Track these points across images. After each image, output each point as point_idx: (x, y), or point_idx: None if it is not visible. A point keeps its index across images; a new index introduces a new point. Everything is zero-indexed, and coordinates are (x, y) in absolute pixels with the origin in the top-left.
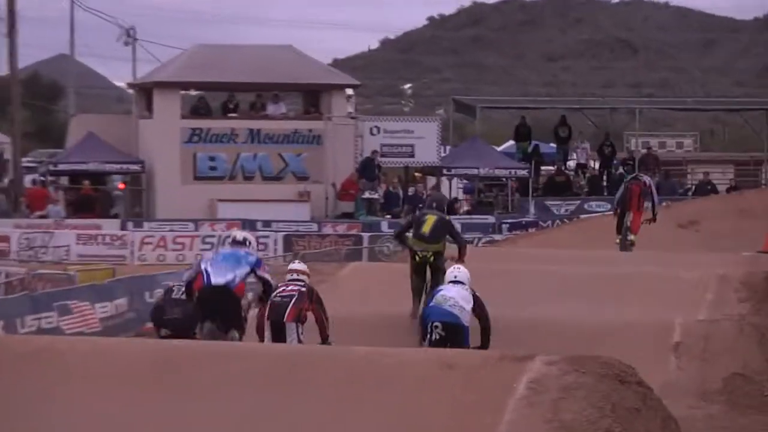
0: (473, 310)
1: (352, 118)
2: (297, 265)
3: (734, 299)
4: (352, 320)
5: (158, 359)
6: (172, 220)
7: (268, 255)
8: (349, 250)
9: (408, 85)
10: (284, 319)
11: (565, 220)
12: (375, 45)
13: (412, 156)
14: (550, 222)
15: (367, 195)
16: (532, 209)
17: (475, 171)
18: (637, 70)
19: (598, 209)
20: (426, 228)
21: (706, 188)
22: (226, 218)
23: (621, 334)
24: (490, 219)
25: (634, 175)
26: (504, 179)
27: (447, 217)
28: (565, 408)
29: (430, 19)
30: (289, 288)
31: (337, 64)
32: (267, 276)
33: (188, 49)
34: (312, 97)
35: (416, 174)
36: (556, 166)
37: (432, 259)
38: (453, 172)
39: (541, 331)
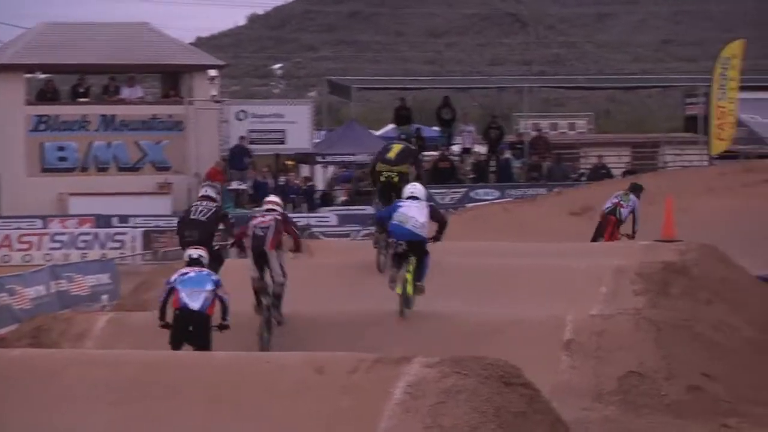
0: (431, 217)
1: (216, 101)
2: (272, 197)
3: (630, 292)
4: (238, 324)
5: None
6: (17, 217)
7: (125, 253)
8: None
9: (278, 65)
10: (266, 248)
11: (450, 209)
12: (242, 21)
13: (283, 142)
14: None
15: (234, 186)
16: None
17: (352, 158)
18: (527, 46)
19: (486, 197)
20: (392, 154)
21: (600, 172)
22: (78, 214)
23: (508, 331)
24: (369, 210)
25: (612, 206)
26: None
27: (413, 147)
28: (445, 413)
29: None
30: (267, 218)
31: (200, 42)
32: (225, 297)
33: (33, 28)
34: (171, 80)
35: (288, 162)
36: (439, 152)
37: (396, 179)
38: (328, 159)
39: (422, 329)
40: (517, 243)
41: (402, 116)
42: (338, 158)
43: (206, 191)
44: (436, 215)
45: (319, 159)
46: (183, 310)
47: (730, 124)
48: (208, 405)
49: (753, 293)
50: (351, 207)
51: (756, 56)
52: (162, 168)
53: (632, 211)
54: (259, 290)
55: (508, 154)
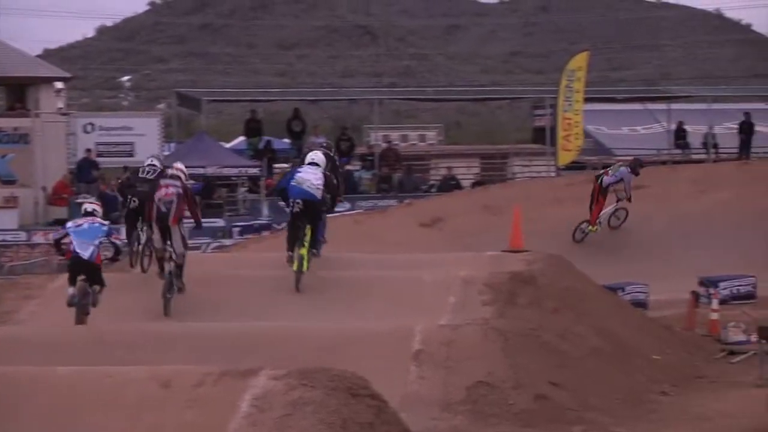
0: (325, 187)
1: (63, 114)
2: (178, 164)
3: (478, 302)
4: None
5: None
6: None
7: None
8: (62, 260)
9: (127, 77)
10: (169, 223)
11: None
12: (91, 33)
13: (132, 155)
14: (285, 224)
15: (81, 199)
16: (265, 210)
17: (202, 170)
18: (378, 58)
19: (337, 209)
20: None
21: (449, 184)
22: None
23: (358, 343)
24: (220, 222)
25: (600, 174)
26: (234, 178)
27: (331, 155)
28: (292, 425)
29: (152, 4)
30: (170, 191)
31: (48, 54)
32: (117, 242)
33: None
34: (17, 92)
35: None
36: (290, 164)
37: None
38: None
39: (272, 342)
40: (368, 254)
41: (252, 128)
42: (188, 170)
43: (152, 161)
44: (330, 185)
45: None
46: (75, 259)
47: (576, 136)
48: (47, 421)
49: (598, 301)
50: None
51: (602, 68)
52: (8, 182)
53: (619, 181)
54: (162, 259)
55: (350, 166)
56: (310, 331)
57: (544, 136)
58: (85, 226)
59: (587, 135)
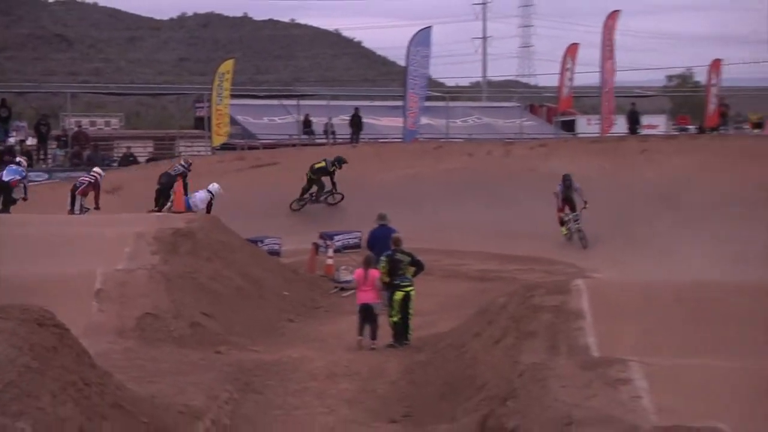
0: (206, 206)
1: None
2: (96, 168)
3: (147, 252)
4: None
5: None
6: None
7: None
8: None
9: None
10: (77, 193)
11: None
12: None
13: None
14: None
15: None
16: None
17: None
18: (74, 61)
19: (36, 179)
20: (317, 165)
21: (128, 160)
22: None
23: (51, 285)
24: None
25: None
26: None
27: (329, 168)
28: None
29: None
30: (85, 178)
31: None
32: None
33: None
34: None
35: None
36: None
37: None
38: None
39: None
40: (68, 216)
41: None
42: None
43: (181, 161)
44: (209, 208)
45: None
46: None
47: (225, 124)
48: None
49: (243, 251)
50: None
51: (250, 72)
52: None
53: (568, 190)
54: (71, 212)
55: (55, 145)
56: (14, 277)
57: (203, 124)
58: None
59: (236, 123)
